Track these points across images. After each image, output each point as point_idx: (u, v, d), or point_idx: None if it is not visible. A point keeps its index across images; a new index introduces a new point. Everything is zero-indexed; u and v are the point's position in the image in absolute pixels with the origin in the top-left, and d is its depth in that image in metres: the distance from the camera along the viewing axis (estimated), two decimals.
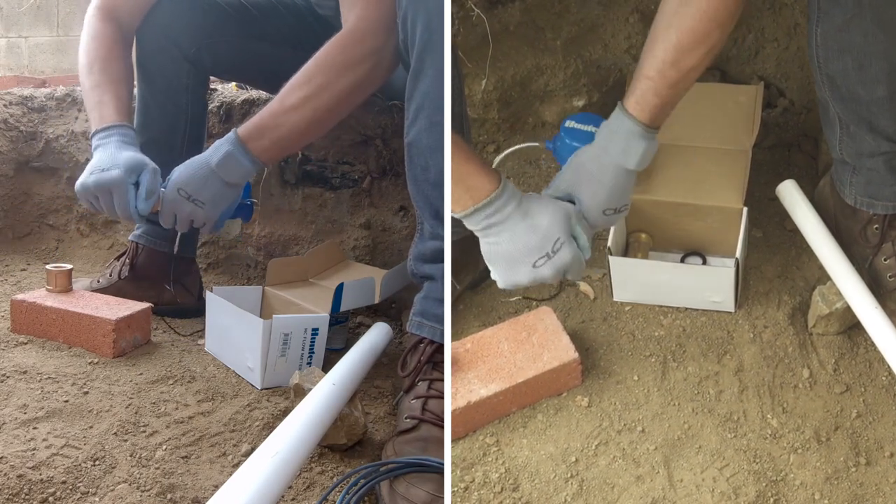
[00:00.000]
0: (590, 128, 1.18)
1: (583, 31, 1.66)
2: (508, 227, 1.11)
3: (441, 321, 1.31)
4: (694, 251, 1.49)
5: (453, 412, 1.24)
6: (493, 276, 1.17)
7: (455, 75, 1.36)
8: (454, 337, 1.38)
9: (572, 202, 1.15)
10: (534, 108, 1.75)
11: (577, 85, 1.71)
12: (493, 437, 1.27)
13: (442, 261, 1.32)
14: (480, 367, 1.29)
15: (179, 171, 1.53)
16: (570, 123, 1.20)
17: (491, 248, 1.14)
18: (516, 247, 1.12)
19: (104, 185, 1.52)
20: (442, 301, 1.31)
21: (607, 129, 1.13)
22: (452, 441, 1.27)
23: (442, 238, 1.31)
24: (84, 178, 1.54)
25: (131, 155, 1.56)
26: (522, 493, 1.20)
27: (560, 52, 1.69)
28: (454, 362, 1.30)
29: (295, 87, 1.48)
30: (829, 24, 1.22)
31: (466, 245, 1.44)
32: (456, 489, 1.20)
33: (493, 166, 1.29)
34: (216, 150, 1.51)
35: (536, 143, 1.32)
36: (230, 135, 1.51)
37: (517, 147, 1.39)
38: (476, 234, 1.15)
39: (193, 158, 1.55)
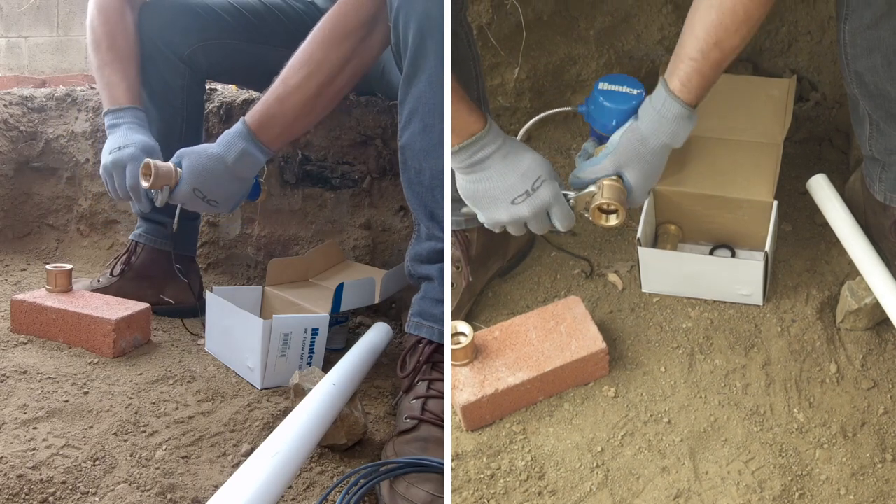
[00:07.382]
0: (624, 88, 1.18)
1: (616, 22, 1.66)
2: (490, 165, 1.16)
3: (439, 321, 1.31)
4: (723, 244, 1.49)
5: (480, 399, 1.25)
6: (478, 215, 1.22)
7: (470, 57, 1.36)
8: (483, 325, 1.40)
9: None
10: (566, 97, 1.75)
11: None
12: (519, 426, 1.28)
13: (439, 261, 1.33)
14: (508, 355, 1.30)
15: (193, 168, 1.49)
16: (603, 85, 1.20)
17: (474, 186, 1.18)
18: (496, 184, 1.17)
19: (120, 163, 1.56)
20: (440, 301, 1.32)
21: (654, 111, 1.13)
22: (479, 428, 1.28)
23: (438, 238, 1.31)
24: (103, 160, 1.59)
25: (143, 138, 1.60)
26: (548, 482, 1.21)
27: (593, 42, 1.68)
28: (482, 350, 1.31)
29: (296, 67, 1.47)
30: (858, 21, 1.21)
31: (492, 231, 1.45)
32: (482, 476, 1.21)
33: (519, 137, 1.29)
34: (229, 146, 1.49)
35: (569, 108, 1.30)
36: (241, 127, 1.49)
37: (547, 113, 1.36)
38: (459, 172, 1.19)
39: (204, 152, 1.51)
